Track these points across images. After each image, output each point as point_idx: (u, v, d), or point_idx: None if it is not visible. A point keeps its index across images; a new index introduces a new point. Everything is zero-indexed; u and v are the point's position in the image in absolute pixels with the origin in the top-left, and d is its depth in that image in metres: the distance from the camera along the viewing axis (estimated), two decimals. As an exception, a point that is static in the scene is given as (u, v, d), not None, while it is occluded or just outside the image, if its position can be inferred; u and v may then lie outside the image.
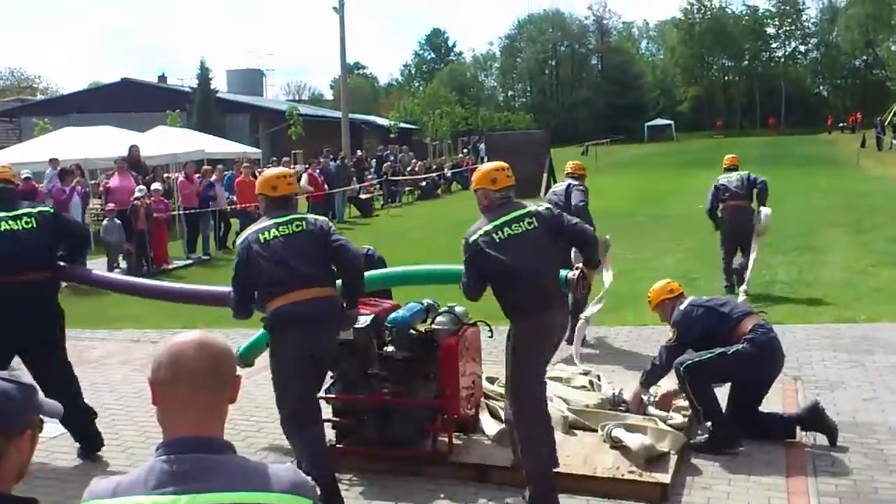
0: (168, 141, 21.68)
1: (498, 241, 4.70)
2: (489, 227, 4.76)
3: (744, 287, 9.84)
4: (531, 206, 4.93)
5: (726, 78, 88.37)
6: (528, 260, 4.67)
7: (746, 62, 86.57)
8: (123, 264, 14.42)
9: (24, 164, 16.40)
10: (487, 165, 5.18)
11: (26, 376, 1.92)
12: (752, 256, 10.03)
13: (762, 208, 10.14)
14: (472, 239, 4.81)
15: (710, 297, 5.94)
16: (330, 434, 5.58)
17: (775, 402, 6.13)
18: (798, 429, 5.57)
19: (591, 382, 6.40)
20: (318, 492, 1.82)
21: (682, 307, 5.74)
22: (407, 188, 28.47)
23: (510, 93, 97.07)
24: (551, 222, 4.83)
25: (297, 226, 4.89)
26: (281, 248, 4.80)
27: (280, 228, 4.86)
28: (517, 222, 4.75)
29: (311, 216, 5.14)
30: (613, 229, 15.78)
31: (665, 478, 4.86)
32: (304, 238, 4.87)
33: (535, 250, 4.71)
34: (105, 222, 13.93)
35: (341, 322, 4.96)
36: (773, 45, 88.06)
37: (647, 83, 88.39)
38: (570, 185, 8.69)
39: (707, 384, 5.46)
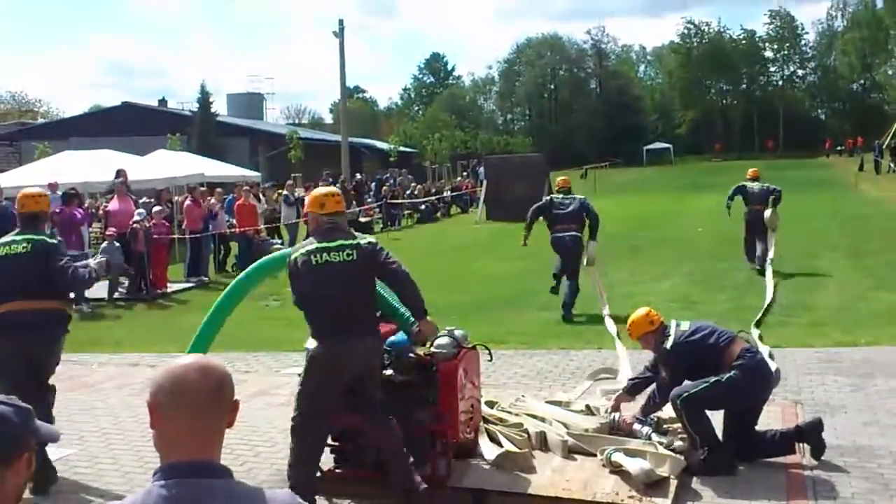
0: (168, 164, 21.71)
1: (314, 263, 4.89)
2: (312, 248, 4.96)
3: (770, 257, 12.91)
4: (359, 238, 5.09)
5: (724, 101, 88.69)
6: (331, 289, 4.85)
7: (744, 86, 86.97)
8: (122, 283, 14.45)
9: (24, 187, 16.39)
10: (318, 190, 5.39)
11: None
12: (771, 241, 13.37)
13: (770, 210, 13.46)
14: (293, 256, 5.02)
15: (693, 326, 5.77)
16: (328, 458, 5.56)
17: (775, 426, 6.11)
18: (797, 444, 5.57)
19: (587, 406, 6.38)
20: None
21: (667, 345, 5.65)
22: (406, 211, 28.53)
23: (509, 116, 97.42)
24: (370, 257, 4.96)
25: (348, 255, 4.91)
26: (327, 276, 4.87)
27: (331, 255, 4.90)
28: (338, 251, 4.91)
29: (361, 240, 5.08)
30: (611, 252, 15.94)
31: (665, 502, 4.84)
32: (350, 270, 4.90)
33: (343, 281, 4.87)
34: (104, 244, 13.93)
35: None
36: (771, 69, 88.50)
37: (646, 107, 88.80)
38: (583, 199, 11.28)
39: (703, 414, 5.47)
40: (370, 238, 5.23)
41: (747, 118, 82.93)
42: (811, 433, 5.56)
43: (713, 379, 5.43)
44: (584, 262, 10.98)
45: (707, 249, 16.37)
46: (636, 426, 5.79)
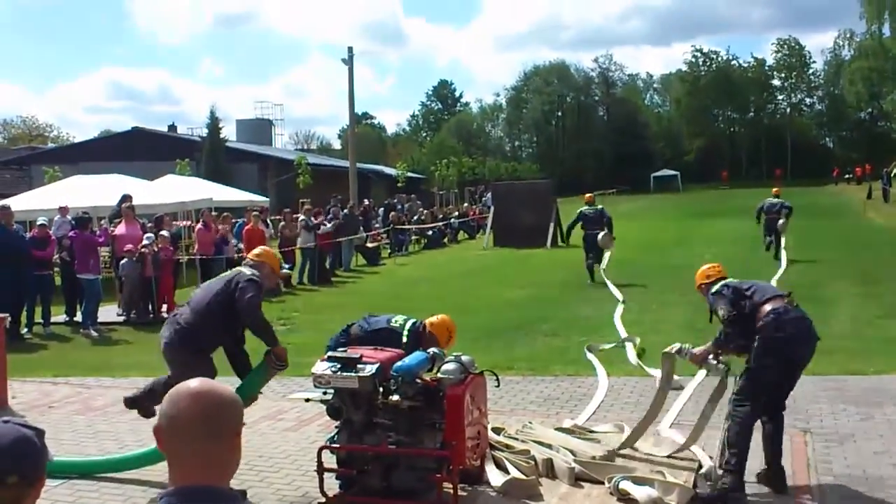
0: (176, 189, 21.86)
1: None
2: None
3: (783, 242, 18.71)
4: (242, 269, 6.26)
5: (732, 129, 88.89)
6: (192, 301, 6.17)
7: (752, 113, 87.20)
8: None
9: (33, 211, 16.56)
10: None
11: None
12: (783, 238, 19.12)
13: (782, 220, 19.29)
14: None
15: (744, 281, 6.14)
16: (334, 484, 5.54)
17: (785, 456, 6.06)
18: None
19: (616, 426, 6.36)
20: None
21: (714, 289, 5.98)
22: (414, 237, 28.55)
23: (516, 143, 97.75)
24: (230, 286, 6.00)
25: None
26: None
27: None
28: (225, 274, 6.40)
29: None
30: (619, 279, 15.91)
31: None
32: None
33: (202, 298, 6.10)
34: (123, 261, 13.98)
35: None
36: (779, 97, 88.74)
37: (653, 134, 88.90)
38: (602, 208, 17.37)
39: (749, 429, 5.51)
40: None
41: (755, 146, 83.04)
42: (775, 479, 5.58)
43: (746, 374, 5.62)
44: (600, 243, 16.37)
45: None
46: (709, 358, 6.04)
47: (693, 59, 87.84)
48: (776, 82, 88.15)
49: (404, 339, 6.00)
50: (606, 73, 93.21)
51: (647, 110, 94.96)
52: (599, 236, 16.38)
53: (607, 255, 16.38)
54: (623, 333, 11.00)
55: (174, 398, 1.77)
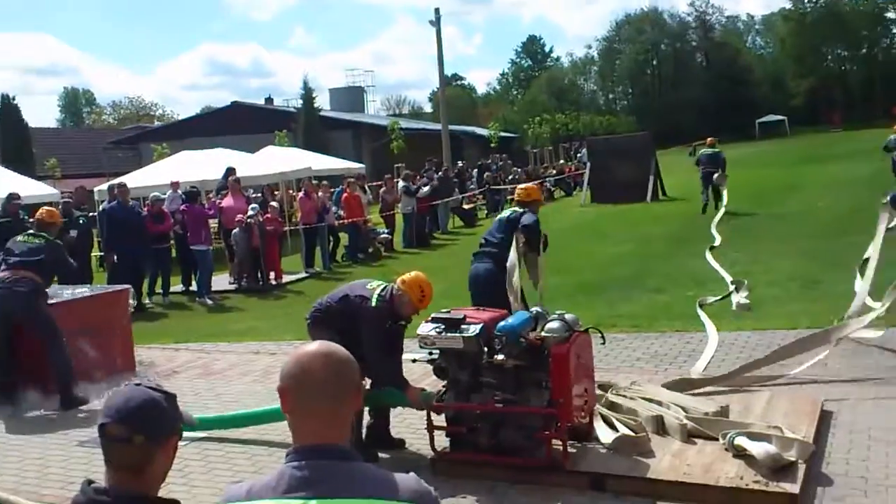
0: (277, 160, 22.32)
1: None
2: None
3: None
4: (376, 290, 5.76)
5: (843, 68, 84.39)
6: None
7: (864, 50, 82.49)
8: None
9: (148, 187, 17.20)
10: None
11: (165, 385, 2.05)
12: None
13: None
14: None
15: None
16: (444, 442, 5.62)
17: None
18: None
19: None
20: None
21: None
22: (509, 197, 28.43)
23: (611, 96, 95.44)
24: (352, 304, 5.73)
25: None
26: None
27: None
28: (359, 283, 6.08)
29: None
30: (727, 230, 15.46)
31: (794, 488, 4.65)
32: None
33: (333, 294, 6.07)
34: (235, 231, 14.43)
35: None
36: (895, 31, 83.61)
37: (757, 78, 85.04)
38: (719, 151, 19.76)
39: None
40: None
41: (869, 84, 78.52)
42: None
43: None
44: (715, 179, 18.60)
45: (829, 225, 15.64)
46: None
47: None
48: (891, 15, 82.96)
49: (373, 303, 5.64)
50: (703, 16, 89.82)
51: (749, 53, 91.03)
52: (714, 176, 18.68)
53: (725, 191, 18.31)
54: (727, 277, 10.75)
55: (301, 359, 1.82)
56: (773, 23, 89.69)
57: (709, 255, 12.70)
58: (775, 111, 74.00)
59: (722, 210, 17.14)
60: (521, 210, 7.66)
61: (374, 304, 5.65)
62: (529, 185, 9.13)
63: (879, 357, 7.20)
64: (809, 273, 11.37)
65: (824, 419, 5.79)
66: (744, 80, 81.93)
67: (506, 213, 7.87)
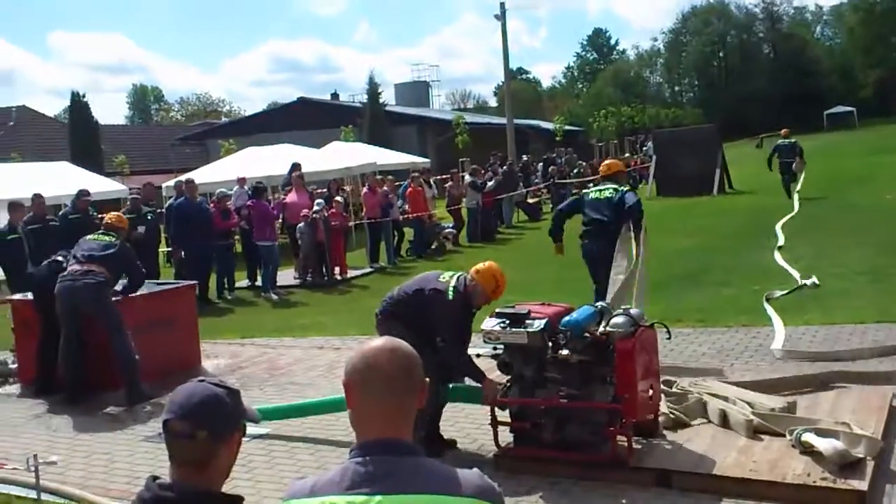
0: (342, 155, 22.58)
1: None
2: None
3: None
4: (450, 281, 5.73)
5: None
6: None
7: (936, 40, 79.82)
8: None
9: (215, 182, 17.56)
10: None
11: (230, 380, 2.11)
12: None
13: None
14: None
15: None
16: (508, 437, 5.66)
17: None
18: None
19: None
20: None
21: None
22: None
23: (676, 88, 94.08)
24: (426, 295, 5.73)
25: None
26: None
27: None
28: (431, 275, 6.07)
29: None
30: (794, 222, 15.16)
31: (862, 485, 4.59)
32: None
33: (404, 287, 6.04)
34: (300, 226, 14.66)
35: None
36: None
37: (825, 69, 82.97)
38: (795, 141, 20.45)
39: None
40: None
41: (940, 75, 75.99)
42: None
43: None
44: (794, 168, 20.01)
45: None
46: None
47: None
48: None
49: (450, 296, 5.63)
50: (771, 7, 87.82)
51: (817, 44, 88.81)
52: (794, 164, 20.19)
53: (801, 176, 19.96)
54: (795, 274, 10.60)
55: (368, 355, 1.83)
56: (841, 13, 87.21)
57: (777, 254, 12.48)
58: (844, 102, 71.97)
59: (795, 206, 17.66)
60: (622, 189, 8.36)
61: (450, 296, 5.64)
62: (610, 160, 10.23)
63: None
64: (877, 266, 11.11)
65: (893, 415, 5.68)
66: (812, 72, 79.94)
67: (605, 193, 8.33)
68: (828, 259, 12.08)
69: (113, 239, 8.26)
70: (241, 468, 5.75)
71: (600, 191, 8.51)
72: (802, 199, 18.26)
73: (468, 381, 5.87)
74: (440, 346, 5.66)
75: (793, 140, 20.87)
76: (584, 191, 9.67)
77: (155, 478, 1.93)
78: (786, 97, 75.21)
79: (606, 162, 9.42)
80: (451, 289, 5.68)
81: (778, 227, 15.00)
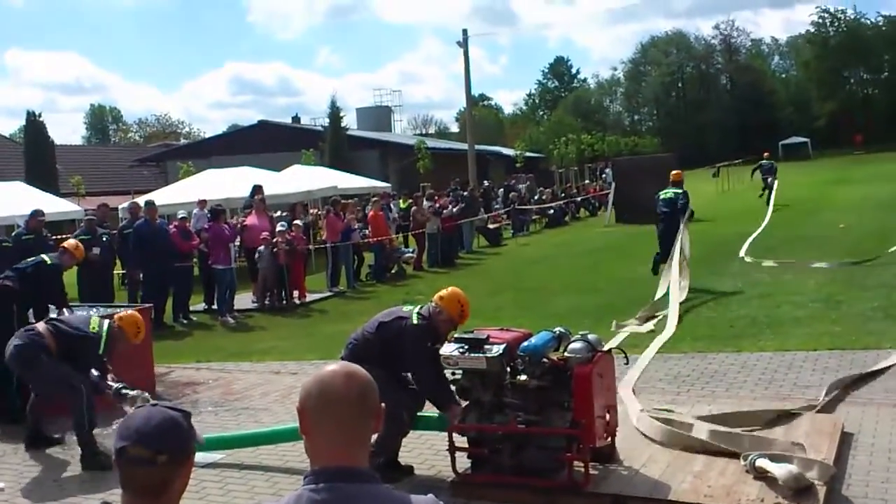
0: (302, 179, 22.48)
1: None
2: None
3: None
4: (413, 311, 5.79)
5: (865, 91, 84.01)
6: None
7: (886, 73, 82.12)
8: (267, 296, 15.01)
9: (174, 204, 17.38)
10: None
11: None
12: None
13: None
14: None
15: None
16: (465, 463, 5.64)
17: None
18: None
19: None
20: None
21: None
22: (534, 217, 28.47)
23: (636, 117, 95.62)
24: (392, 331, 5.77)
25: None
26: None
27: None
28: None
29: None
30: (750, 251, 15.42)
31: (815, 510, 4.65)
32: None
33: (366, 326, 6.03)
34: (260, 249, 14.53)
35: None
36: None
37: (780, 101, 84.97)
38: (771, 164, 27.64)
39: None
40: None
41: (891, 107, 77.94)
42: None
43: None
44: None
45: (850, 246, 15.58)
46: None
47: (820, 20, 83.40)
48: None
49: (414, 321, 5.67)
50: (729, 39, 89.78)
51: (773, 76, 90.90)
52: (769, 179, 26.40)
53: (776, 187, 24.98)
54: (673, 309, 10.38)
55: (324, 380, 1.80)
56: (797, 46, 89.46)
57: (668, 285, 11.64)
58: (799, 133, 73.64)
59: (769, 213, 21.17)
60: (679, 191, 13.47)
61: (414, 321, 5.66)
62: (675, 171, 14.63)
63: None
64: (830, 294, 11.33)
65: (845, 441, 5.77)
66: (768, 103, 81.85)
67: (668, 194, 13.43)
68: (782, 287, 12.29)
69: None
70: (194, 495, 5.66)
71: (667, 192, 13.50)
72: (769, 223, 19.73)
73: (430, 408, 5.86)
74: (416, 378, 5.66)
75: (771, 161, 28.87)
76: (659, 191, 13.83)
77: (106, 503, 1.88)
78: (742, 127, 76.88)
79: (673, 172, 14.41)
80: (415, 314, 5.70)
81: (747, 243, 16.56)
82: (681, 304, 10.85)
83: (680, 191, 13.41)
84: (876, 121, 78.19)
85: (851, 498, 4.97)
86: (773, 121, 78.48)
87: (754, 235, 17.55)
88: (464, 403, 5.70)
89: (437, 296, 5.78)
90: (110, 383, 6.76)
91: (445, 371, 5.70)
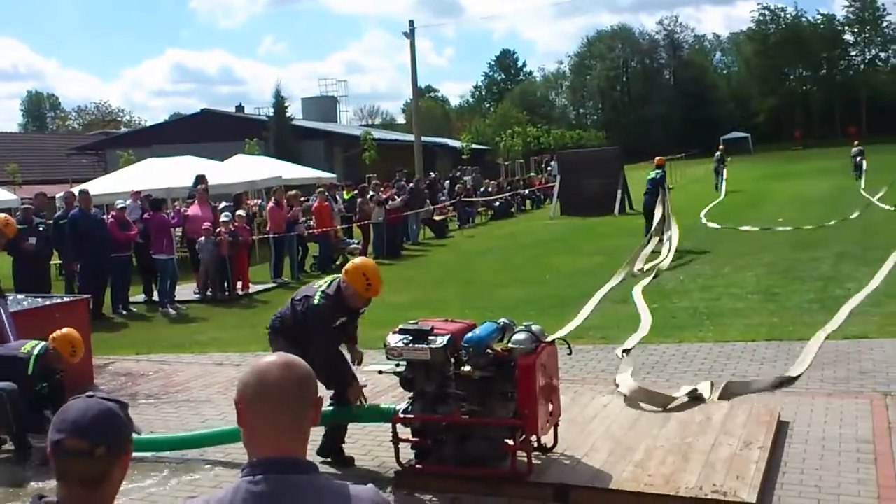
0: (246, 168, 22.23)
1: None
2: None
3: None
4: (321, 287, 5.78)
5: (804, 88, 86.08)
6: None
7: (824, 71, 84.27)
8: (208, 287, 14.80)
9: (112, 194, 17.03)
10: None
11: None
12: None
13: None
14: None
15: None
16: (409, 454, 5.63)
17: (865, 419, 5.96)
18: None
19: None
20: None
21: None
22: (480, 209, 28.54)
23: (581, 110, 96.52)
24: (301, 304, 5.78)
25: None
26: None
27: None
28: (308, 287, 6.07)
29: None
30: (690, 244, 15.70)
31: (751, 496, 4.74)
32: None
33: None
34: (202, 239, 14.31)
35: None
36: (853, 53, 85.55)
37: (722, 96, 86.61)
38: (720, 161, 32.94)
39: None
40: None
41: (828, 104, 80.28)
42: None
43: None
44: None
45: (789, 240, 15.98)
46: None
47: (761, 17, 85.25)
48: (848, 38, 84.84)
49: (315, 301, 5.67)
50: (672, 34, 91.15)
51: (715, 72, 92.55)
52: (720, 167, 31.87)
53: (725, 174, 31.05)
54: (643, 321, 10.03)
55: (261, 370, 1.78)
56: (738, 42, 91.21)
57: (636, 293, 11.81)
58: (739, 129, 75.13)
59: (722, 194, 27.56)
60: (659, 171, 17.59)
61: (316, 301, 5.69)
62: (658, 157, 19.08)
63: (834, 369, 7.36)
64: (769, 286, 11.59)
65: (781, 430, 5.91)
66: (710, 98, 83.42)
67: (651, 174, 17.37)
68: (723, 279, 12.53)
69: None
70: (133, 487, 5.56)
71: (650, 174, 17.50)
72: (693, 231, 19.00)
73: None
74: (313, 357, 5.60)
75: (723, 152, 33.26)
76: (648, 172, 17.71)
77: (41, 496, 1.82)
78: (685, 121, 78.22)
79: (657, 158, 18.81)
80: (318, 294, 5.73)
81: (703, 213, 19.97)
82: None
83: (660, 171, 17.67)
84: (813, 117, 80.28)
85: (787, 485, 5.09)
86: (715, 116, 80.00)
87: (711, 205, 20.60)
88: (408, 395, 5.69)
89: (343, 270, 5.77)
90: None
91: (390, 362, 5.68)
